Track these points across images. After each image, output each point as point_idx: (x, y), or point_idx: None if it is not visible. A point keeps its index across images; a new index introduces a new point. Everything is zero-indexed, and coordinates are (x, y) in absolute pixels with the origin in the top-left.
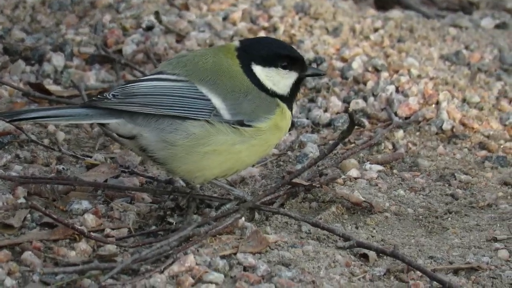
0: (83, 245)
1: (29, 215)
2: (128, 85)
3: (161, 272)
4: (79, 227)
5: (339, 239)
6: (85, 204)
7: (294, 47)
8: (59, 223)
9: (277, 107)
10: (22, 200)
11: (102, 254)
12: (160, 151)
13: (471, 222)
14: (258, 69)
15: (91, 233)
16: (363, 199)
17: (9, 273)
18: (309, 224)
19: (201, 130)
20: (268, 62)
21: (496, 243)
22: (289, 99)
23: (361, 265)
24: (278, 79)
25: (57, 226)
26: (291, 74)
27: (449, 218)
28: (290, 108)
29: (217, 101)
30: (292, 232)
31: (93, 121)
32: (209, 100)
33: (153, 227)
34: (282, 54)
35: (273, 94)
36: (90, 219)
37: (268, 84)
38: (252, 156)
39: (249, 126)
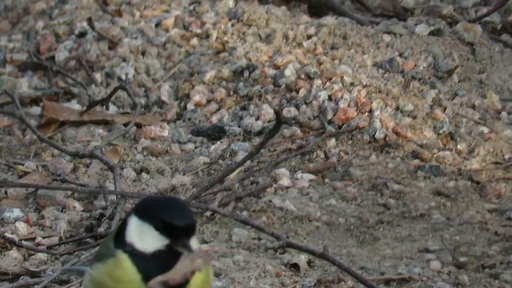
0: (14, 253)
1: None
2: None
3: None
4: (10, 236)
5: (270, 242)
6: (16, 212)
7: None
8: None
9: (112, 257)
10: None
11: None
12: None
13: (403, 233)
14: (134, 220)
15: (22, 242)
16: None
17: None
18: (238, 221)
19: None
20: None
21: (428, 254)
22: (152, 260)
23: (292, 275)
24: (146, 236)
25: None
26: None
27: (381, 228)
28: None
29: None
30: (222, 241)
31: None
32: None
33: (84, 235)
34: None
35: (126, 246)
36: (21, 227)
37: (131, 235)
38: None
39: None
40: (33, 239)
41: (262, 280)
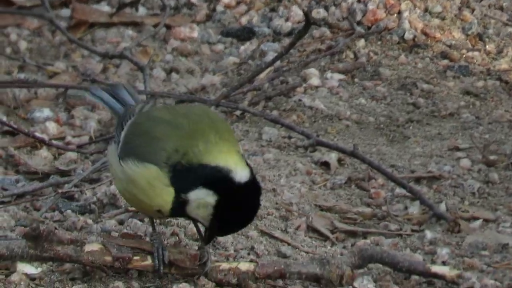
0: (44, 152)
1: None
2: None
3: None
4: (40, 136)
5: (301, 140)
6: (46, 112)
7: None
8: (19, 132)
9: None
10: None
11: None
12: None
13: (432, 131)
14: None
15: (52, 141)
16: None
17: None
18: (268, 120)
19: (110, 150)
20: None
21: (458, 152)
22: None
23: (322, 173)
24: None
25: (18, 134)
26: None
27: (411, 127)
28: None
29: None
30: (253, 140)
31: None
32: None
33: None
34: None
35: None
36: (51, 126)
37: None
38: (128, 195)
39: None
40: (63, 138)
41: (293, 178)
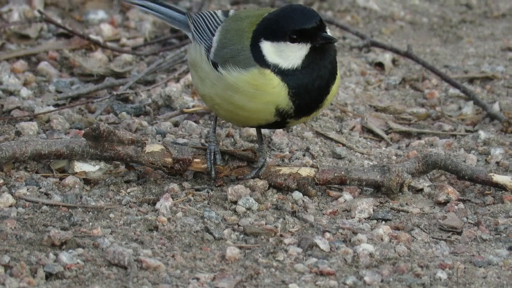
0: (99, 54)
1: (45, 26)
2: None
3: (177, 81)
4: (94, 38)
5: (355, 41)
6: (101, 14)
7: None
8: (74, 34)
9: (255, 68)
10: (38, 14)
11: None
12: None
13: (485, 32)
14: (266, 45)
15: (107, 43)
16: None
17: (25, 83)
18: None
19: (199, 54)
20: (276, 37)
21: (510, 53)
22: (303, 72)
23: (377, 74)
24: (288, 53)
25: (73, 36)
26: (301, 46)
27: (464, 28)
28: (302, 82)
29: (215, 39)
30: None
31: (181, 28)
32: (213, 35)
33: (169, 36)
34: (289, 29)
35: (274, 68)
36: (106, 28)
37: (272, 57)
38: (224, 106)
39: (219, 72)
40: (118, 40)
41: (347, 79)
